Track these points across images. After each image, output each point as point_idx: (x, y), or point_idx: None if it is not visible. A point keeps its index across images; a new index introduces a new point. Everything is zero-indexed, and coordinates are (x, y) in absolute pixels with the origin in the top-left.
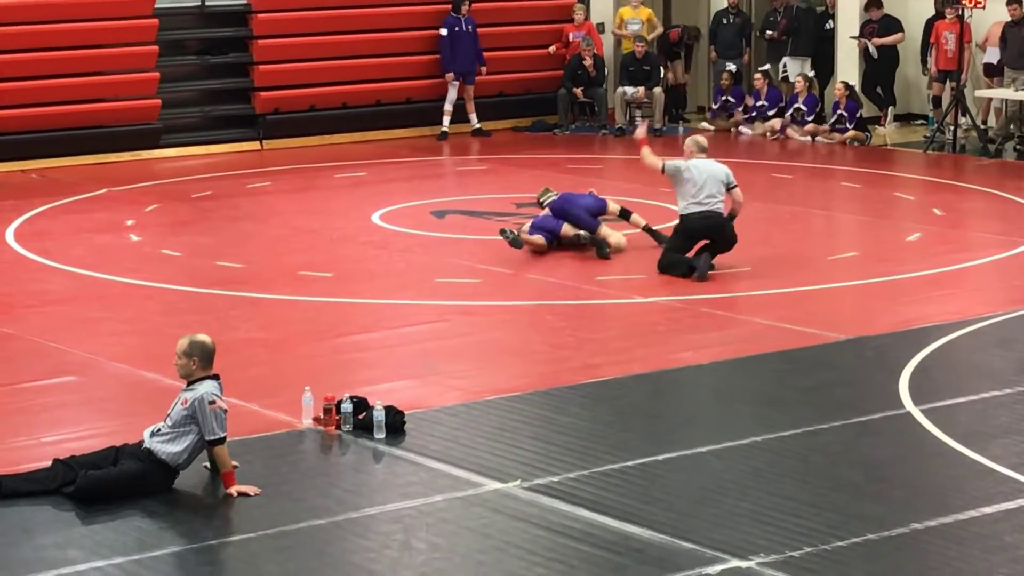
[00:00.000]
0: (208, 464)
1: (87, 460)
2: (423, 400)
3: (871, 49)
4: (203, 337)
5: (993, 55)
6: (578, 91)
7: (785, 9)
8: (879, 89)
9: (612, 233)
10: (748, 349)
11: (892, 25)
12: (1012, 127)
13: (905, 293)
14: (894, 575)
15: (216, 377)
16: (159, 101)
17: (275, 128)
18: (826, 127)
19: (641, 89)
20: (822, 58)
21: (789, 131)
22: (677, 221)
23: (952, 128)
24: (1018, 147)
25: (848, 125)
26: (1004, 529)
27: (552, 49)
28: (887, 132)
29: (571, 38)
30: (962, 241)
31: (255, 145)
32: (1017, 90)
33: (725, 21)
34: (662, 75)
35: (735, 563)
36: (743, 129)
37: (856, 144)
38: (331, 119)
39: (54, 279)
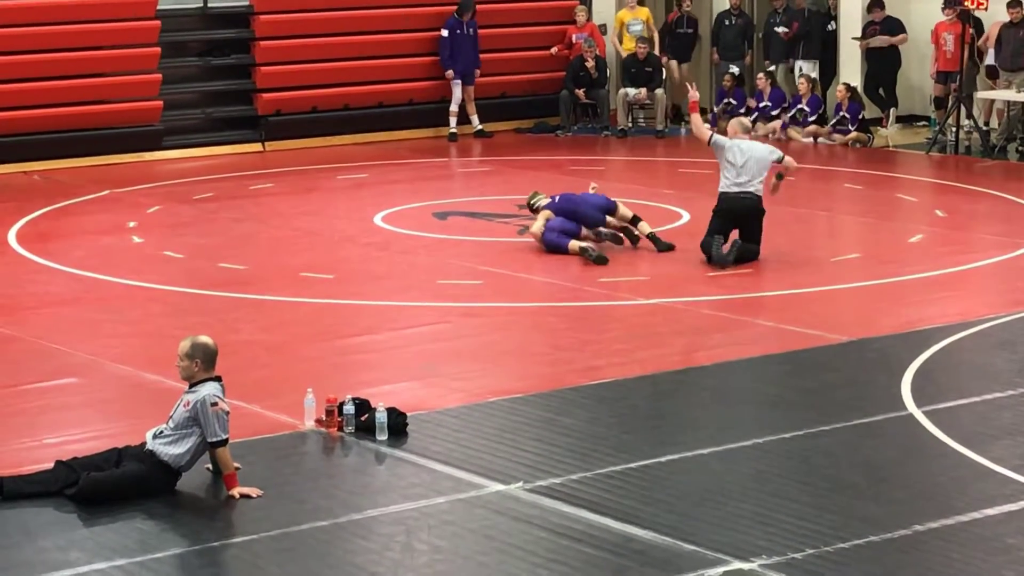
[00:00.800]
0: (210, 466)
1: (89, 462)
2: (425, 402)
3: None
4: (205, 339)
5: (993, 56)
6: (580, 92)
7: (797, 12)
8: (881, 90)
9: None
10: (750, 351)
11: (894, 26)
12: (1015, 129)
13: (907, 295)
14: None
15: (218, 379)
16: (161, 103)
17: (277, 130)
18: (828, 128)
19: (643, 90)
20: (824, 60)
21: (790, 131)
22: (716, 201)
23: (954, 129)
24: (1020, 148)
25: (850, 127)
26: (1007, 531)
27: (554, 50)
28: (889, 133)
29: (574, 40)
30: (964, 243)
31: (257, 147)
32: (1019, 91)
33: (727, 22)
34: (664, 76)
35: (737, 565)
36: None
37: (858, 145)
38: (333, 121)
39: (56, 281)
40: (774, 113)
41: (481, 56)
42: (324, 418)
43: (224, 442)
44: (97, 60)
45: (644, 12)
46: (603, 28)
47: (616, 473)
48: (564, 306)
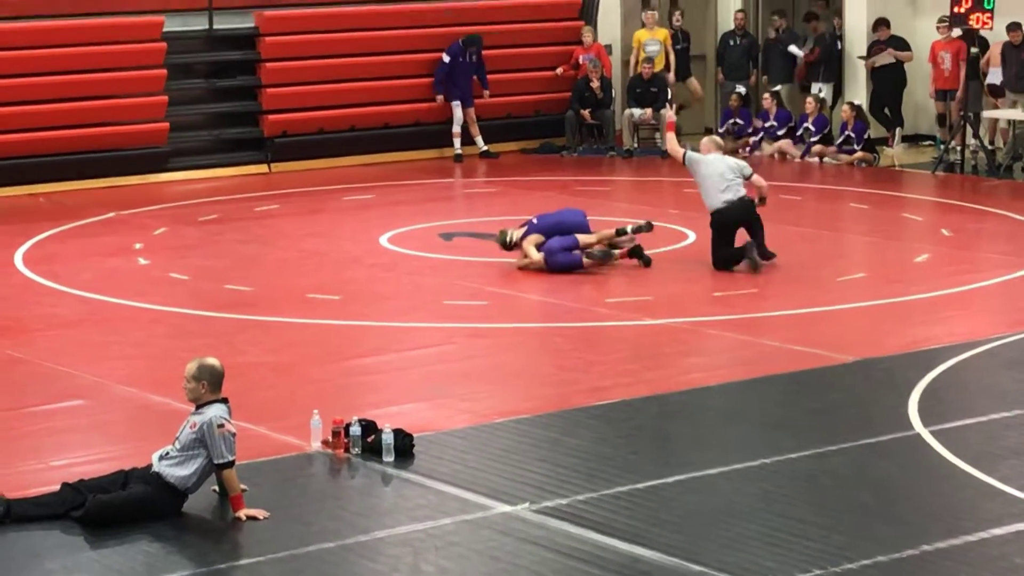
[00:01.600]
0: (217, 488)
1: (96, 484)
2: (431, 423)
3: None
4: (212, 360)
5: (995, 75)
6: (585, 113)
7: (819, 37)
8: (887, 110)
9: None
10: (757, 371)
11: (900, 45)
12: (1021, 148)
13: (914, 314)
14: None
15: (225, 400)
16: (167, 124)
17: (283, 151)
18: (833, 148)
19: (649, 111)
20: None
21: (784, 146)
22: (710, 219)
23: (959, 148)
24: None
25: (856, 146)
26: (1014, 551)
27: (559, 70)
28: (895, 153)
29: (581, 60)
30: (971, 262)
31: (263, 168)
32: None
33: (732, 43)
34: (669, 96)
35: None
36: (752, 150)
37: (864, 165)
38: (339, 142)
39: (63, 303)
40: (780, 133)
41: (488, 77)
42: (330, 439)
43: (231, 464)
44: (103, 82)
45: (662, 33)
46: (608, 48)
47: (623, 494)
48: (570, 326)
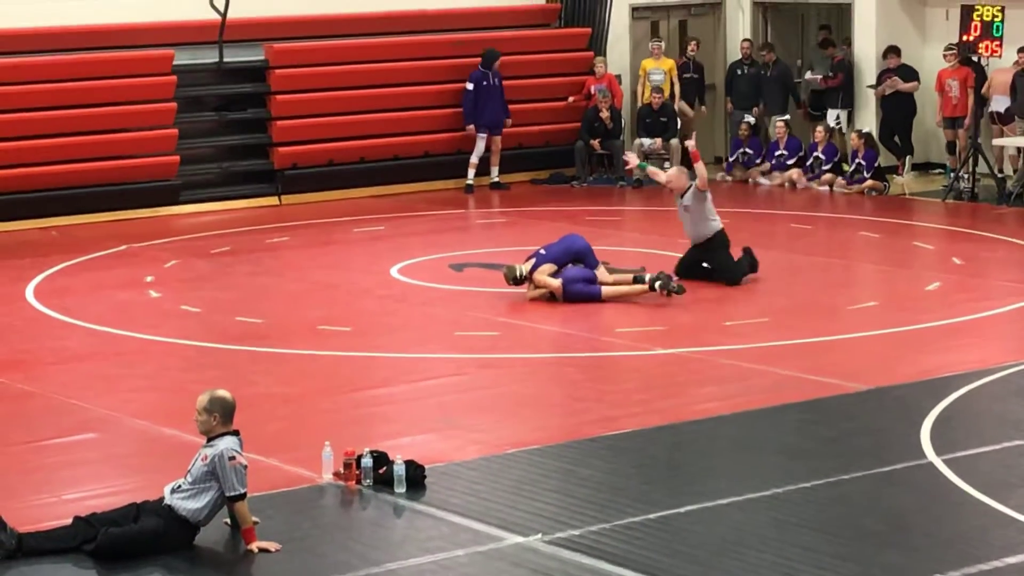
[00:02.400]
0: (228, 520)
1: (107, 517)
2: (443, 454)
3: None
4: (223, 393)
5: (999, 103)
6: (595, 143)
7: (839, 64)
8: (896, 138)
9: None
10: (768, 400)
11: (909, 74)
12: None
13: (926, 342)
14: None
15: (236, 433)
16: (178, 157)
17: (293, 183)
18: (842, 180)
19: (658, 140)
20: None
21: (793, 175)
22: (722, 237)
23: (968, 176)
24: None
25: (866, 174)
26: None
27: (571, 100)
28: (905, 181)
29: (592, 91)
30: (982, 290)
31: (273, 200)
32: None
33: (740, 72)
34: (678, 125)
35: None
36: (761, 180)
37: (874, 194)
38: (349, 173)
39: (74, 336)
40: (790, 162)
41: None
42: (342, 471)
43: (242, 496)
44: (114, 116)
45: (668, 63)
46: (619, 78)
47: (635, 524)
48: (581, 356)
